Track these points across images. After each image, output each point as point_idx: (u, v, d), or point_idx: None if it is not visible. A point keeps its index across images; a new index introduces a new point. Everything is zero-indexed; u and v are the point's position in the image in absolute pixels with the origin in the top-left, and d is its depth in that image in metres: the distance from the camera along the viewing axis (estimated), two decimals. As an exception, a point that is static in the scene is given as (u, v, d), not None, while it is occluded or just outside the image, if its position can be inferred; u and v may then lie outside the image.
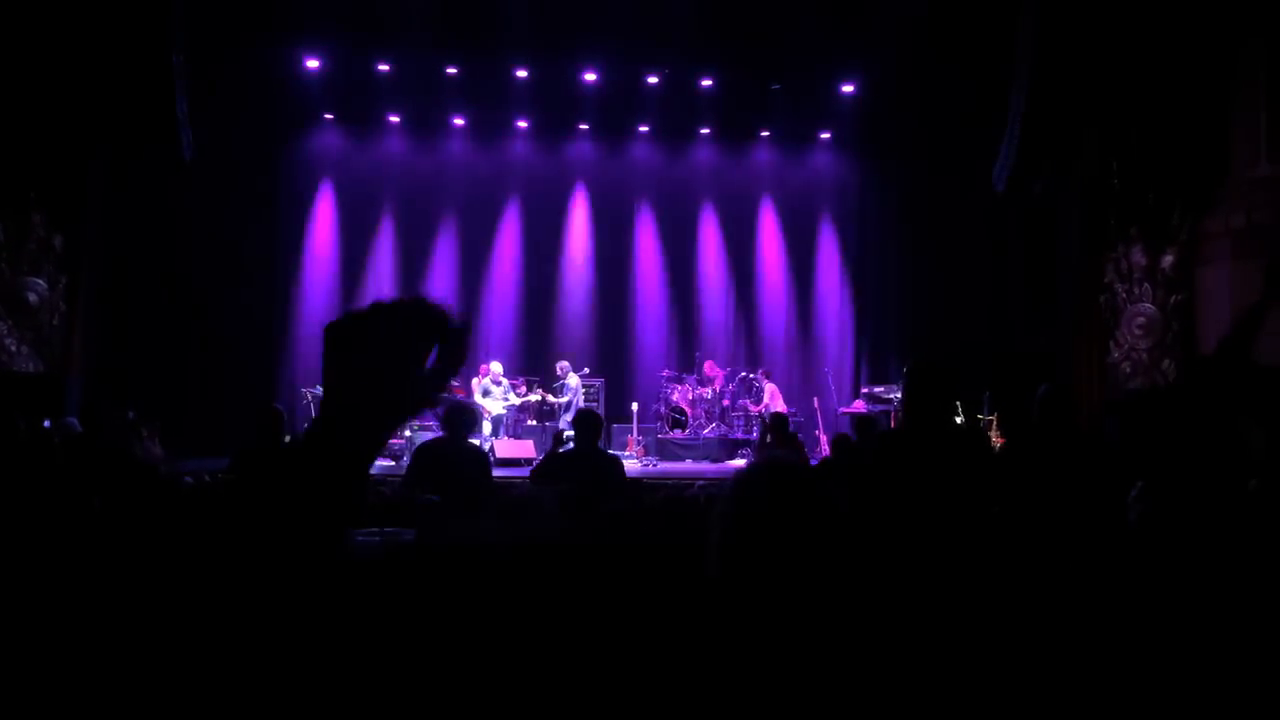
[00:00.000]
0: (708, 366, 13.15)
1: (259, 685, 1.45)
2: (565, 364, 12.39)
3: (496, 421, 11.89)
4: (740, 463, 11.45)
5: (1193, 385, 2.58)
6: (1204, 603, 1.78)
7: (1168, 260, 9.75)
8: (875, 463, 2.93)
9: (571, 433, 5.89)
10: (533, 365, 13.34)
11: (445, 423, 5.51)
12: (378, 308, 1.01)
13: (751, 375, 13.09)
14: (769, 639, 1.31)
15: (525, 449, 11.19)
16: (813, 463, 8.08)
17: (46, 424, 6.88)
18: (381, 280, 13.62)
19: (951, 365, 3.07)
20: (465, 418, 5.56)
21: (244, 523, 1.69)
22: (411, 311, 0.99)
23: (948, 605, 1.65)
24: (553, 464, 5.56)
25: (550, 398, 12.35)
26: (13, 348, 9.70)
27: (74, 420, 7.31)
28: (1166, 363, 9.72)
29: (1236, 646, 1.68)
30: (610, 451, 7.55)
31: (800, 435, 10.35)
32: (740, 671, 1.28)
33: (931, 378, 3.06)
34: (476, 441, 10.96)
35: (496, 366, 12.29)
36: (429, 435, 8.20)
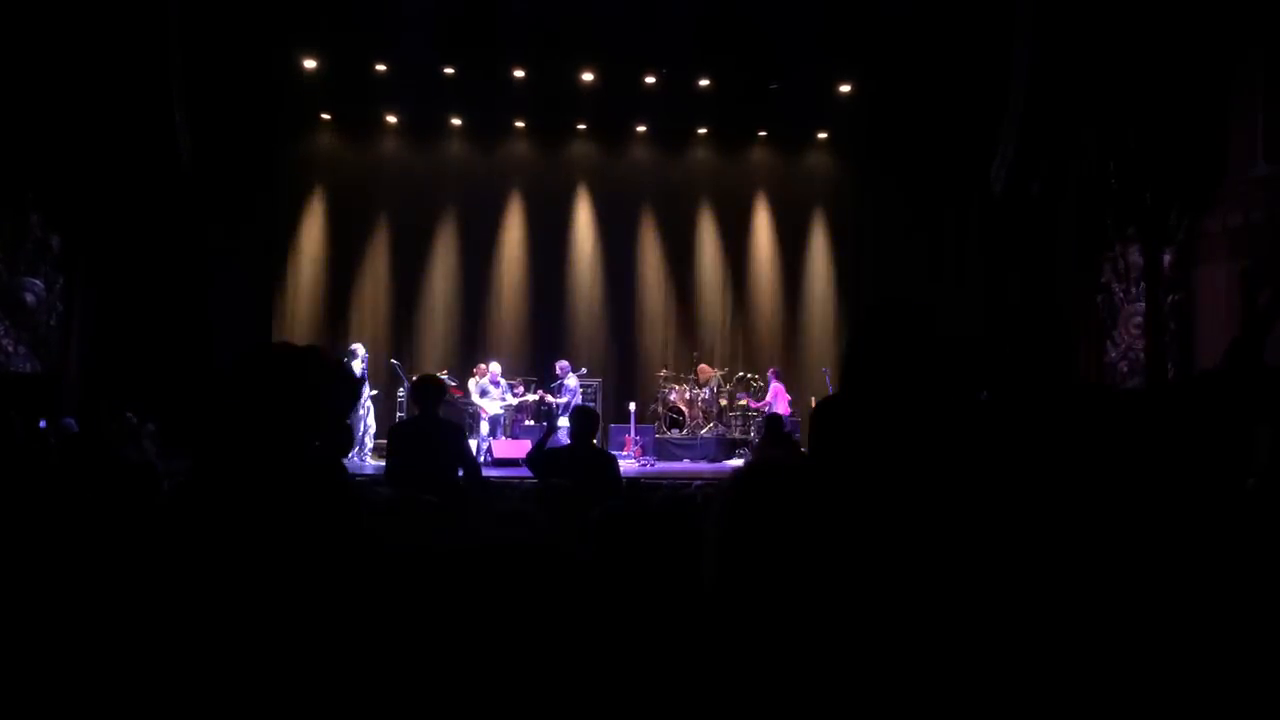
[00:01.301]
0: (701, 369, 13.16)
1: (256, 682, 1.44)
2: (565, 364, 12.40)
3: (494, 421, 11.89)
4: (738, 462, 11.45)
5: (1201, 388, 2.55)
6: (1202, 602, 1.77)
7: (1165, 260, 9.75)
8: (814, 440, 1.89)
9: (564, 420, 5.86)
10: (532, 366, 13.34)
11: (412, 397, 5.44)
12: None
13: (750, 375, 13.09)
14: (765, 648, 1.30)
15: (523, 449, 11.17)
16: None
17: (42, 424, 6.87)
18: (379, 282, 13.62)
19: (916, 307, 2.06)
20: (430, 389, 5.48)
21: (239, 523, 1.69)
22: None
23: (944, 607, 1.64)
24: (547, 457, 5.55)
25: (549, 398, 12.36)
26: (10, 348, 9.68)
27: (71, 421, 7.31)
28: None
29: (1235, 645, 1.67)
30: (606, 450, 7.53)
31: (797, 435, 10.34)
32: (736, 681, 1.28)
33: (886, 324, 2.05)
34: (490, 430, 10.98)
35: (495, 366, 12.29)
36: None
